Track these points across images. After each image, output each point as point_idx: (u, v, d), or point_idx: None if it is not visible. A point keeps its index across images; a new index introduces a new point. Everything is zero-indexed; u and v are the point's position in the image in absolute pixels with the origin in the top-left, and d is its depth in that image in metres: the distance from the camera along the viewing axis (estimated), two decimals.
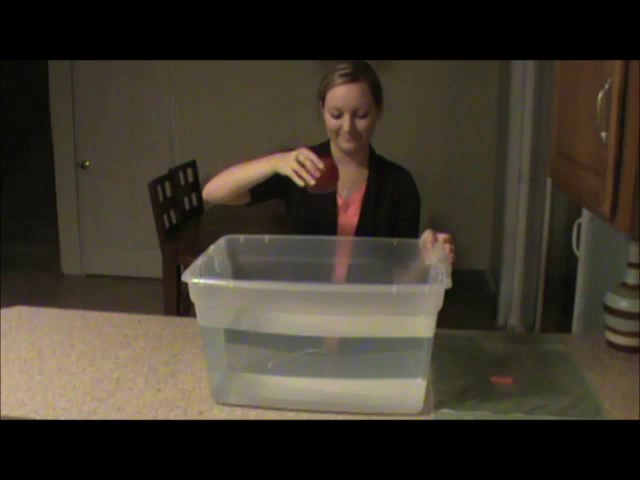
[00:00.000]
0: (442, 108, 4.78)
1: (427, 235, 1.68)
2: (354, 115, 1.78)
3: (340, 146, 1.84)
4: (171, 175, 4.06)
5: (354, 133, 1.80)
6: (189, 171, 4.38)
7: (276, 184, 1.83)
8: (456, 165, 4.85)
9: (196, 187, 4.46)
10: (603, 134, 1.29)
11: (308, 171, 1.62)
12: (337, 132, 1.81)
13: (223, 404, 1.48)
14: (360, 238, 1.83)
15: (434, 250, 1.63)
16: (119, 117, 4.95)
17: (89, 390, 1.54)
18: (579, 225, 2.47)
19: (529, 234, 3.92)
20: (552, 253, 3.59)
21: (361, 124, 1.79)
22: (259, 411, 1.44)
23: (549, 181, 3.39)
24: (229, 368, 1.54)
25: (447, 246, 1.63)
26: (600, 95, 1.28)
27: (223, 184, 1.83)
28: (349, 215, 1.90)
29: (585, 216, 2.47)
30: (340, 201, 1.90)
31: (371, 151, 1.94)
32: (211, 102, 4.87)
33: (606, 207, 1.29)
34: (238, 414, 1.44)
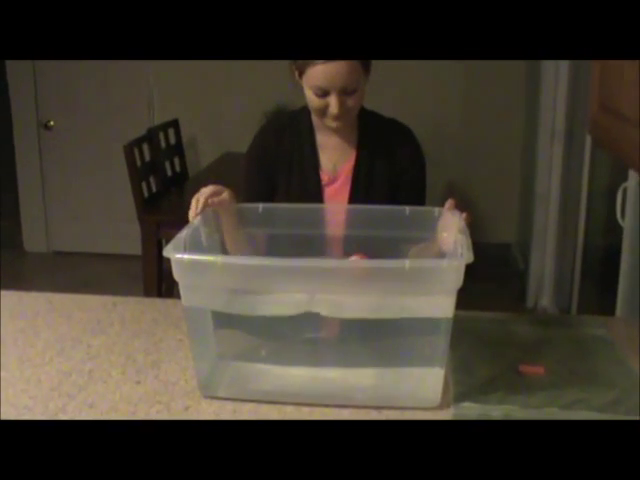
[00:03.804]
0: None
1: (450, 203, 1.66)
2: (342, 93, 1.72)
3: (327, 124, 1.79)
4: (150, 136, 4.05)
5: (343, 112, 1.74)
6: (170, 131, 4.36)
7: (265, 186, 1.86)
8: (478, 122, 4.82)
9: (179, 150, 4.45)
10: None
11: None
12: (323, 111, 1.75)
13: (212, 398, 1.48)
14: (368, 206, 1.82)
15: (453, 220, 1.61)
16: (89, 69, 4.91)
17: (56, 385, 1.54)
18: (624, 190, 2.45)
19: (564, 201, 3.91)
20: (591, 223, 3.58)
21: (351, 101, 1.74)
22: (253, 405, 1.45)
23: (588, 139, 3.37)
24: (218, 357, 1.55)
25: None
26: None
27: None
28: (337, 192, 1.86)
29: (632, 179, 2.46)
30: (325, 177, 1.86)
31: (360, 109, 1.85)
32: None
33: None
34: (229, 409, 1.45)
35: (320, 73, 1.69)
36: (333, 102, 1.72)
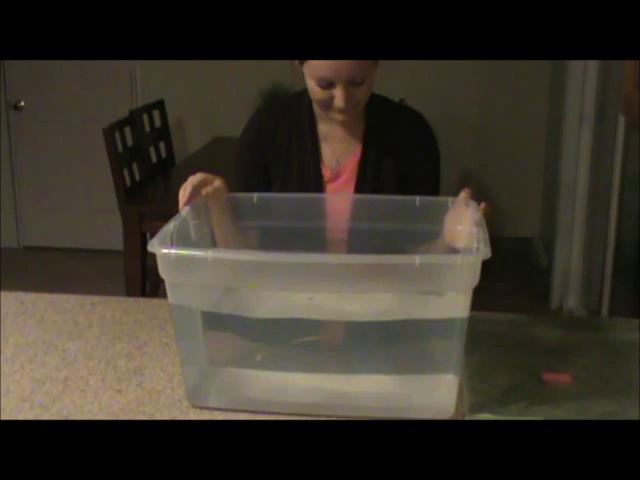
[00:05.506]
0: None
1: (465, 193, 1.66)
2: (350, 84, 1.69)
3: (331, 117, 1.78)
4: (133, 118, 4.06)
5: (350, 105, 1.72)
6: (155, 113, 4.37)
7: (260, 175, 1.86)
8: (498, 103, 4.82)
9: (165, 134, 4.46)
10: None
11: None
12: (327, 104, 1.74)
13: (201, 408, 1.49)
14: (374, 197, 1.82)
15: (468, 211, 1.62)
16: None
17: (28, 394, 1.54)
18: None
19: (593, 190, 3.91)
20: (624, 214, 3.58)
21: (359, 92, 1.72)
22: (246, 416, 1.45)
23: (621, 121, 3.37)
24: (208, 362, 1.56)
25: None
26: None
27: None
28: (339, 190, 1.85)
29: None
30: (327, 173, 1.85)
31: None
32: None
33: None
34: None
35: (324, 63, 1.66)
36: (339, 95, 1.69)
